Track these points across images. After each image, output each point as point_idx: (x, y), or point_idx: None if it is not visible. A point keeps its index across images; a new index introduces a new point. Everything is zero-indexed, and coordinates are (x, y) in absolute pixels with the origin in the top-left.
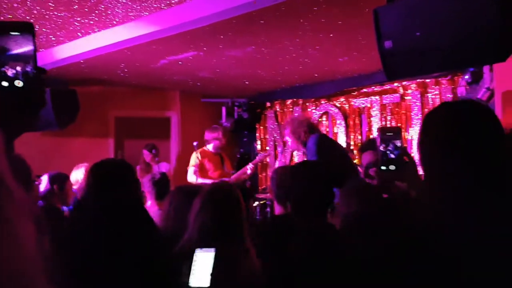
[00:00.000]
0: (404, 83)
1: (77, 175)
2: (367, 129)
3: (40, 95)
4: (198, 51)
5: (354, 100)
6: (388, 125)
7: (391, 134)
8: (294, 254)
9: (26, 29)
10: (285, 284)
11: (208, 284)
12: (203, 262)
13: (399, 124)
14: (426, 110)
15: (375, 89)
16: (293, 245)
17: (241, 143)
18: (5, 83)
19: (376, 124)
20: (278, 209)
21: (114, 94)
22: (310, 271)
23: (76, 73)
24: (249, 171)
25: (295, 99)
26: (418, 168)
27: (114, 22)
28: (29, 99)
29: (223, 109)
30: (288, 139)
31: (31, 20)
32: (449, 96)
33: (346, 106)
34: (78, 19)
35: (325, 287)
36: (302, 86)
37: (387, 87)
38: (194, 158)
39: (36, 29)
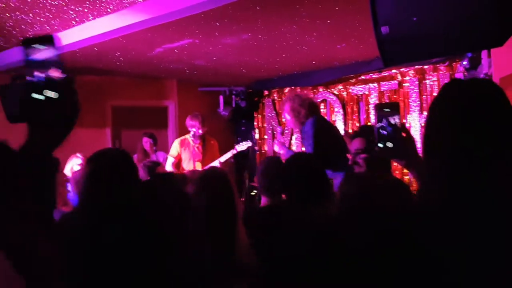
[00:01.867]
0: (402, 69)
1: (72, 165)
2: (365, 117)
3: (73, 105)
4: (193, 39)
5: (352, 87)
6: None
7: (388, 110)
8: (287, 245)
9: (48, 40)
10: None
11: None
12: None
13: None
14: (424, 96)
15: (373, 76)
16: (288, 236)
17: (239, 132)
18: (35, 95)
19: (374, 112)
20: (264, 200)
21: (111, 83)
22: (305, 264)
23: (72, 62)
24: (218, 164)
25: (293, 87)
26: (417, 146)
27: (109, 10)
28: (62, 110)
29: (221, 98)
30: (287, 116)
31: (25, 9)
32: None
33: (344, 94)
34: (73, 7)
35: (323, 280)
36: (299, 74)
37: (385, 74)
38: (174, 147)
39: (30, 18)
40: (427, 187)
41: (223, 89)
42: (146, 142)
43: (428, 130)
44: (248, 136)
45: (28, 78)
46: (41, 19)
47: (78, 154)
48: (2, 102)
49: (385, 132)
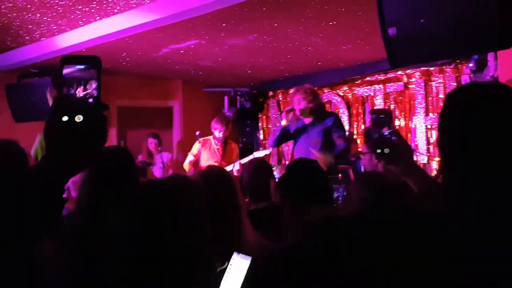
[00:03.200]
0: (408, 71)
1: None
2: (370, 118)
3: (101, 132)
4: (199, 40)
5: (358, 88)
6: (379, 107)
7: (383, 116)
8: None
9: (93, 63)
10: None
11: None
12: (237, 267)
13: (402, 113)
14: (430, 98)
15: (379, 77)
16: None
17: (244, 133)
18: (65, 118)
19: (369, 118)
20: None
21: (117, 83)
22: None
23: None
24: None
25: (299, 86)
26: (411, 151)
27: (115, 11)
28: (88, 136)
29: (226, 99)
30: (302, 101)
31: (32, 9)
32: (453, 84)
33: (349, 95)
34: (80, 7)
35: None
36: (305, 75)
37: (391, 75)
38: (195, 146)
39: (37, 18)
40: (455, 197)
41: (228, 90)
42: (151, 143)
43: (448, 137)
44: (253, 137)
45: (63, 95)
46: (48, 19)
47: None
48: (8, 101)
49: (386, 138)
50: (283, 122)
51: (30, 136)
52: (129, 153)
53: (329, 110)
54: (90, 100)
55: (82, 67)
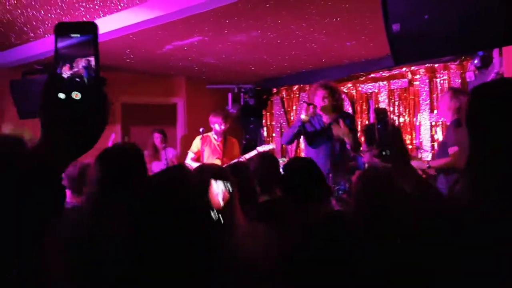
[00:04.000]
0: (412, 68)
1: None
2: (374, 115)
3: (102, 110)
4: (203, 36)
5: (362, 85)
6: (379, 106)
7: (382, 115)
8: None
9: (88, 30)
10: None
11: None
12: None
13: (407, 110)
14: (434, 95)
15: (383, 74)
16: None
17: (247, 130)
18: (61, 95)
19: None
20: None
21: (121, 80)
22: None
23: None
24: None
25: (301, 85)
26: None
27: (119, 7)
28: (88, 115)
29: (229, 95)
30: (328, 97)
31: (36, 6)
32: (458, 81)
33: (354, 92)
34: (83, 4)
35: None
36: (308, 72)
37: (395, 72)
38: (195, 143)
39: (42, 15)
40: (481, 193)
41: (231, 87)
42: (157, 138)
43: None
44: (256, 134)
45: (58, 71)
46: (52, 16)
47: None
48: (13, 98)
49: (382, 138)
50: (303, 117)
51: (35, 132)
52: (138, 149)
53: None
54: (88, 75)
55: (78, 35)
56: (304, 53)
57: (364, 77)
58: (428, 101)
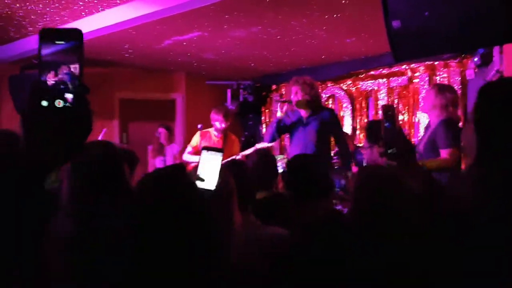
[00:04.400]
0: (412, 65)
1: None
2: (373, 113)
3: (85, 118)
4: (202, 32)
5: (361, 82)
6: (388, 104)
7: (390, 113)
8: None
9: (73, 37)
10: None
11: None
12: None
13: (406, 107)
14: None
15: (383, 71)
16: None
17: (246, 126)
18: (44, 103)
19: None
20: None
21: (119, 75)
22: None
23: None
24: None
25: (297, 77)
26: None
27: (118, 1)
28: (70, 123)
29: (228, 92)
30: (299, 92)
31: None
32: (458, 79)
33: (353, 89)
34: None
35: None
36: (308, 69)
37: (395, 69)
38: (195, 138)
39: (40, 9)
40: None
41: (231, 83)
42: (161, 133)
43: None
44: (255, 130)
45: (42, 78)
46: (51, 10)
47: None
48: (11, 92)
49: (389, 136)
50: (278, 114)
51: None
52: (112, 145)
53: (330, 104)
54: (71, 83)
55: (62, 42)
56: (304, 50)
57: (363, 74)
58: None
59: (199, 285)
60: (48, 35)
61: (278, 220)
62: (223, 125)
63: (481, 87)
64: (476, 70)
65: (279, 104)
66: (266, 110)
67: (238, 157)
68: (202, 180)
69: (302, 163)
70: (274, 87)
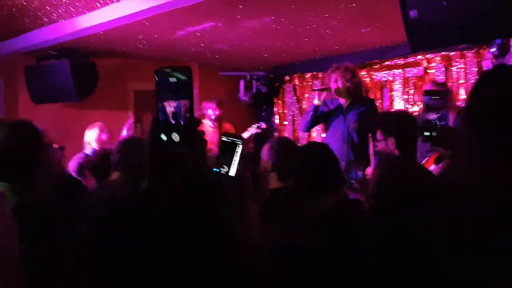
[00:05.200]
0: (428, 56)
1: (90, 136)
2: (388, 103)
3: (195, 150)
4: (216, 22)
5: (376, 73)
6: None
7: (436, 98)
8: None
9: (184, 73)
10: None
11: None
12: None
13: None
14: (450, 84)
15: (398, 62)
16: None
17: (259, 118)
18: (164, 137)
19: (398, 99)
20: (274, 182)
21: (134, 67)
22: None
23: (96, 45)
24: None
25: (314, 73)
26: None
27: None
28: (183, 155)
29: (241, 83)
30: (339, 79)
31: None
32: (474, 70)
33: (368, 80)
34: None
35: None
36: (322, 59)
37: (410, 60)
38: None
39: (55, 0)
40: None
41: (244, 74)
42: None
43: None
44: (268, 122)
45: (160, 113)
46: (66, 1)
47: (96, 124)
48: (27, 83)
49: (433, 122)
50: (315, 101)
51: (48, 118)
52: (31, 126)
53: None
54: (184, 117)
55: (175, 80)
56: (318, 40)
57: (378, 65)
58: None
59: (215, 273)
60: (163, 73)
61: (292, 212)
62: (217, 112)
63: (480, 75)
64: (493, 61)
65: (316, 92)
66: (279, 101)
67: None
68: (222, 167)
69: (311, 151)
70: (287, 78)
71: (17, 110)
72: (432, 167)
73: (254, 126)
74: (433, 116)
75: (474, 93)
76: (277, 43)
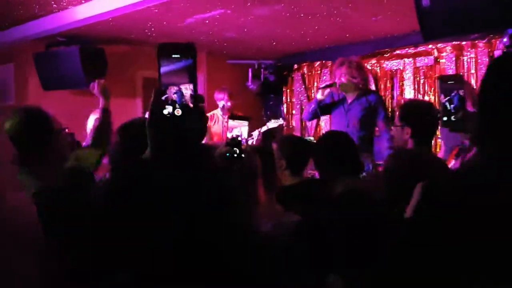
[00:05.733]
0: (439, 45)
1: (91, 122)
2: (398, 93)
3: (200, 125)
4: (225, 9)
5: (386, 62)
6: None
7: (452, 82)
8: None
9: (187, 51)
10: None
11: None
12: None
13: (432, 88)
14: (460, 73)
15: (409, 51)
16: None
17: (267, 106)
18: (166, 111)
19: (408, 88)
20: (289, 179)
21: (142, 54)
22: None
23: (105, 32)
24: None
25: (323, 61)
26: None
27: None
28: (185, 132)
29: (250, 71)
30: (345, 75)
31: None
32: (485, 60)
33: (378, 69)
34: None
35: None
36: (331, 48)
37: (421, 49)
38: None
39: None
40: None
41: (252, 62)
42: None
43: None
44: (276, 110)
45: (165, 89)
46: None
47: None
48: (37, 70)
49: (450, 106)
50: (318, 96)
51: (58, 104)
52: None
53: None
54: (187, 93)
55: (178, 56)
56: (328, 28)
57: (389, 54)
58: None
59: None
60: (166, 50)
61: (306, 207)
62: (229, 104)
63: (490, 63)
64: (505, 51)
65: (321, 89)
66: (288, 90)
67: (255, 136)
68: (231, 147)
69: (332, 140)
70: (296, 66)
71: (27, 96)
72: (452, 163)
73: (273, 121)
74: (450, 96)
75: (486, 80)
76: (286, 31)
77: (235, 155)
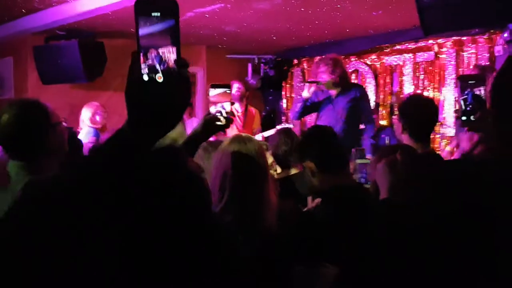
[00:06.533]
0: (439, 40)
1: (85, 115)
2: (398, 88)
3: (183, 93)
4: (225, 3)
5: (386, 57)
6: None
7: (473, 82)
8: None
9: (169, 8)
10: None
11: None
12: None
13: (431, 84)
14: (460, 69)
15: (409, 46)
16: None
17: (267, 101)
18: (145, 77)
19: (408, 83)
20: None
21: None
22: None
23: (104, 26)
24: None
25: (323, 56)
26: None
27: None
28: (169, 98)
29: (249, 66)
30: (324, 73)
31: None
32: (486, 55)
33: (377, 64)
34: None
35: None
36: (331, 43)
37: (421, 44)
38: None
39: None
40: None
41: (251, 57)
42: None
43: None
44: (276, 105)
45: (145, 53)
46: None
47: (93, 104)
48: (36, 64)
49: (468, 105)
50: (304, 94)
51: (57, 98)
52: (39, 105)
53: (353, 80)
54: (170, 57)
55: (158, 14)
56: (328, 23)
57: (389, 49)
58: (454, 75)
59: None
60: (143, 6)
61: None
62: (243, 90)
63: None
64: (505, 46)
65: (306, 85)
66: (287, 85)
67: (258, 137)
68: (219, 120)
69: (315, 133)
70: (295, 61)
71: (27, 90)
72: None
73: (283, 125)
74: (469, 96)
75: (500, 76)
76: (286, 25)
77: (219, 122)
